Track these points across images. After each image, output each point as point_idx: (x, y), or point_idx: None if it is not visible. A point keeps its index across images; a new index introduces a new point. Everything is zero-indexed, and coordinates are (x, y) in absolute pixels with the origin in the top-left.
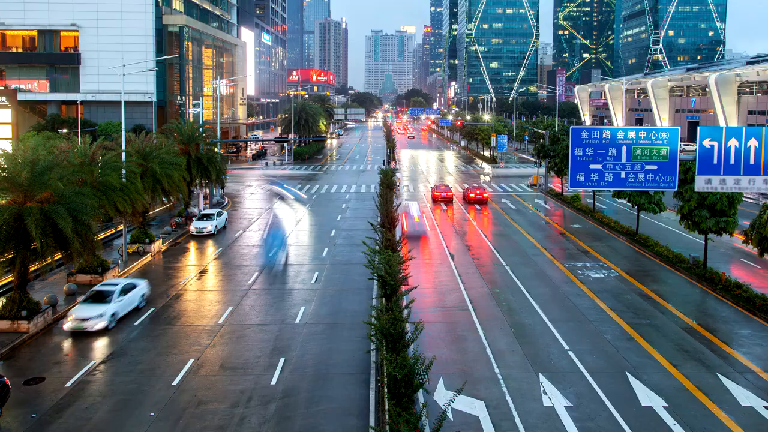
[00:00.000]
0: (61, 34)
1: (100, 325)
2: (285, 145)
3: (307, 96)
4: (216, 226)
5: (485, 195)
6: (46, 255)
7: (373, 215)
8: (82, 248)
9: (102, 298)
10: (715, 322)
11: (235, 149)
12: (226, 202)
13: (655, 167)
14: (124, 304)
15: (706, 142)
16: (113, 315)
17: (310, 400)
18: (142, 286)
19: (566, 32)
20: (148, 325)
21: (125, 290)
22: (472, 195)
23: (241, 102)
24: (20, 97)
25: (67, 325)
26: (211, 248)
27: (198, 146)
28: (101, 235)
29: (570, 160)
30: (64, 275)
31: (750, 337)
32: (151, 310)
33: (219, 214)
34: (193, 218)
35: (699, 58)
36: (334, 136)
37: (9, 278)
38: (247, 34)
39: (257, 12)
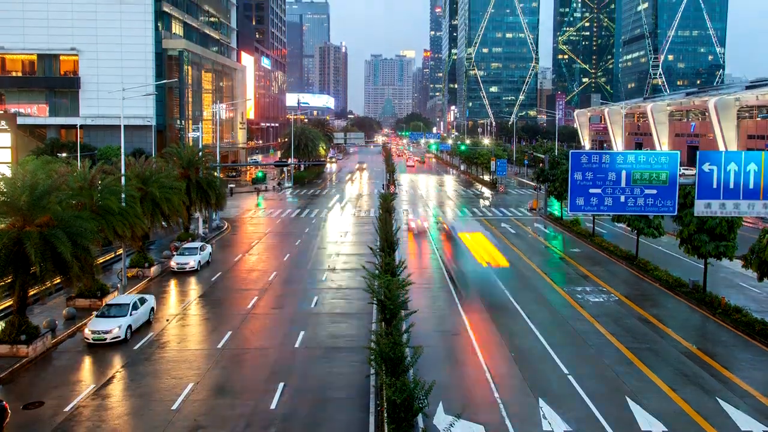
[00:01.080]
0: (61, 58)
1: (117, 336)
2: (284, 169)
3: (306, 120)
4: (199, 261)
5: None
6: (46, 279)
7: (373, 239)
8: (81, 272)
9: (116, 312)
10: (714, 346)
11: (234, 173)
12: (225, 226)
13: (654, 191)
14: (137, 317)
15: (706, 167)
16: (129, 327)
17: (309, 424)
18: (151, 301)
19: (566, 56)
20: (148, 348)
21: (137, 305)
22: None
23: (241, 126)
24: (20, 121)
25: (87, 337)
26: (206, 272)
27: (198, 170)
28: (100, 259)
29: (570, 184)
30: (64, 299)
31: (749, 361)
32: (150, 334)
33: (202, 248)
34: (175, 252)
35: (698, 82)
36: (333, 160)
37: (8, 302)
38: (247, 59)
39: (257, 36)
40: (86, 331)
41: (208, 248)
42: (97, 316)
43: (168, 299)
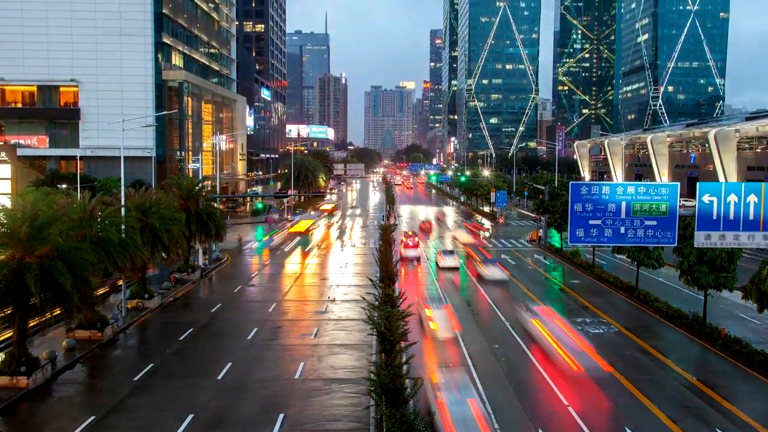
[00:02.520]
0: (61, 89)
1: None
2: (284, 200)
3: (306, 151)
4: None
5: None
6: (46, 310)
7: (373, 271)
8: (81, 303)
9: None
10: (714, 377)
11: (234, 204)
12: (225, 257)
13: (654, 223)
14: None
15: (706, 198)
16: None
17: None
18: None
19: (566, 88)
20: (147, 380)
21: None
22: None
23: (241, 157)
24: (19, 152)
25: None
26: (206, 304)
27: (197, 202)
28: (100, 291)
29: (569, 215)
30: (64, 330)
31: (750, 392)
32: (150, 365)
33: None
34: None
35: (698, 113)
36: (333, 191)
37: (8, 333)
38: (247, 90)
39: (257, 68)
40: None
41: None
42: None
43: (168, 331)
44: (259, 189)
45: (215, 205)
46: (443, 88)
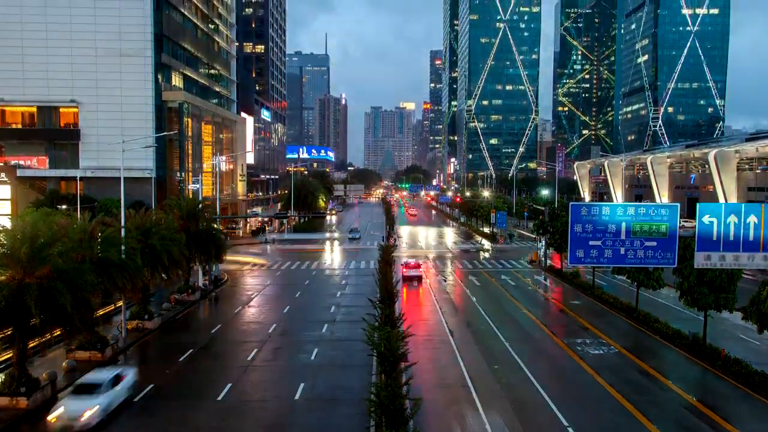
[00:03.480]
0: (61, 110)
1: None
2: (284, 221)
3: (306, 172)
4: (103, 409)
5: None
6: (46, 331)
7: (373, 291)
8: (81, 325)
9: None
10: (714, 398)
11: (234, 225)
12: (225, 278)
13: (654, 244)
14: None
15: (706, 219)
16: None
17: None
18: (131, 376)
19: (566, 108)
20: (147, 401)
21: (116, 381)
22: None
23: (241, 178)
24: (19, 173)
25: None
26: (206, 325)
27: (197, 222)
28: (100, 311)
29: (569, 236)
30: (64, 351)
31: (749, 413)
32: (150, 386)
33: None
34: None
35: (698, 134)
36: (333, 212)
37: (8, 354)
38: (247, 111)
39: (257, 88)
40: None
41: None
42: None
43: (168, 352)
44: (259, 210)
45: (215, 225)
46: (443, 109)
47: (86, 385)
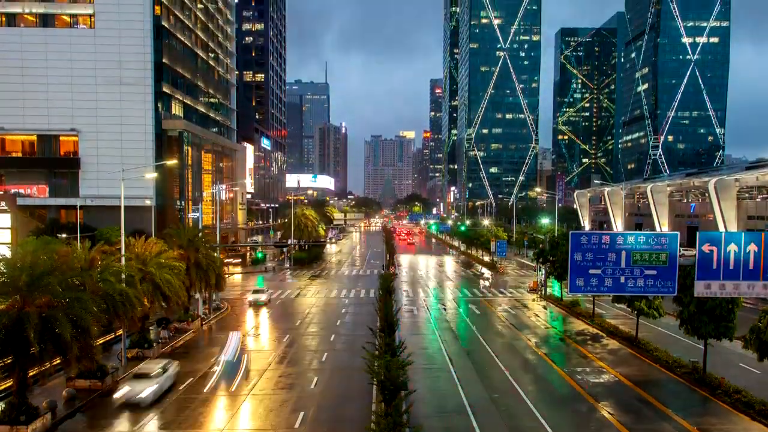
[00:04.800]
0: (61, 138)
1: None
2: (284, 250)
3: (306, 201)
4: (154, 391)
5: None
6: (45, 360)
7: (373, 320)
8: (81, 353)
9: (146, 375)
10: (714, 427)
11: (234, 254)
12: (225, 307)
13: (654, 272)
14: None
15: (706, 247)
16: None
17: None
18: (174, 367)
19: (566, 137)
20: (148, 430)
21: (164, 370)
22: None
23: (241, 207)
24: (19, 201)
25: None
26: (206, 354)
27: (197, 251)
28: (100, 340)
29: (569, 265)
30: (64, 380)
31: None
32: (151, 415)
33: (163, 369)
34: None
35: (698, 163)
36: (333, 241)
37: (8, 383)
38: (247, 139)
39: (257, 117)
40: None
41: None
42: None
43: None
44: (259, 238)
45: (215, 254)
46: (443, 138)
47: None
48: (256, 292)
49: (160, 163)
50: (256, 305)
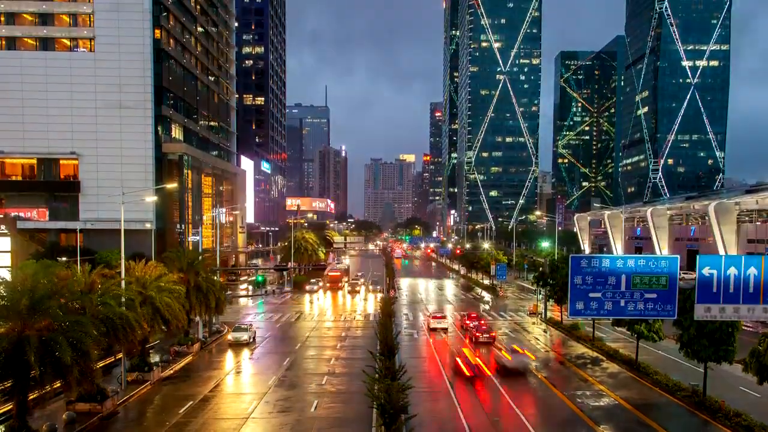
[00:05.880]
0: (61, 162)
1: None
2: (284, 273)
3: (306, 224)
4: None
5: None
6: (45, 383)
7: (373, 343)
8: (81, 377)
9: (242, 329)
10: None
11: (234, 277)
12: (225, 330)
13: (654, 296)
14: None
15: (706, 271)
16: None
17: None
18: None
19: (566, 160)
20: None
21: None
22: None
23: (241, 230)
24: (19, 225)
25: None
26: (206, 377)
27: (197, 274)
28: (100, 363)
29: (569, 288)
30: (64, 403)
31: None
32: None
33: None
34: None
35: (698, 186)
36: (333, 264)
37: (8, 406)
38: (247, 163)
39: (257, 140)
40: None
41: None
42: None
43: (168, 404)
44: (259, 262)
45: (215, 278)
46: (443, 161)
47: (240, 327)
48: (237, 330)
49: (160, 186)
50: (237, 345)
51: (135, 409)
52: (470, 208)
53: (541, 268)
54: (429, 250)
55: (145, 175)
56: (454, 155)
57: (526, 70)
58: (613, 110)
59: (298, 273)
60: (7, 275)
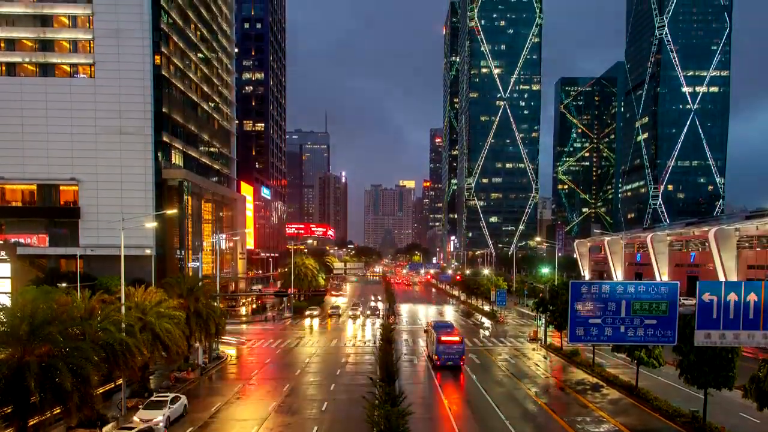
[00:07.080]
0: (61, 188)
1: (158, 423)
2: (284, 299)
3: (306, 250)
4: (168, 417)
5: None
6: (45, 409)
7: (373, 369)
8: (81, 403)
9: (158, 406)
10: None
11: (234, 303)
12: (225, 356)
13: (654, 322)
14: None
15: (706, 297)
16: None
17: None
18: (184, 399)
19: (566, 186)
20: None
21: (174, 401)
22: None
23: (241, 256)
24: (19, 251)
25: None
26: (206, 403)
27: (197, 300)
28: (100, 389)
29: (569, 314)
30: (63, 429)
31: None
32: None
33: (173, 401)
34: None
35: (698, 212)
36: (333, 290)
37: None
38: (247, 189)
39: (257, 166)
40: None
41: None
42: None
43: (169, 430)
44: (259, 287)
45: (215, 303)
46: (443, 187)
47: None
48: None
49: (159, 212)
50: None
51: None
52: (470, 234)
53: (541, 294)
54: (429, 276)
55: (145, 201)
56: (454, 181)
57: (526, 96)
58: (613, 136)
59: (297, 299)
60: (7, 301)
